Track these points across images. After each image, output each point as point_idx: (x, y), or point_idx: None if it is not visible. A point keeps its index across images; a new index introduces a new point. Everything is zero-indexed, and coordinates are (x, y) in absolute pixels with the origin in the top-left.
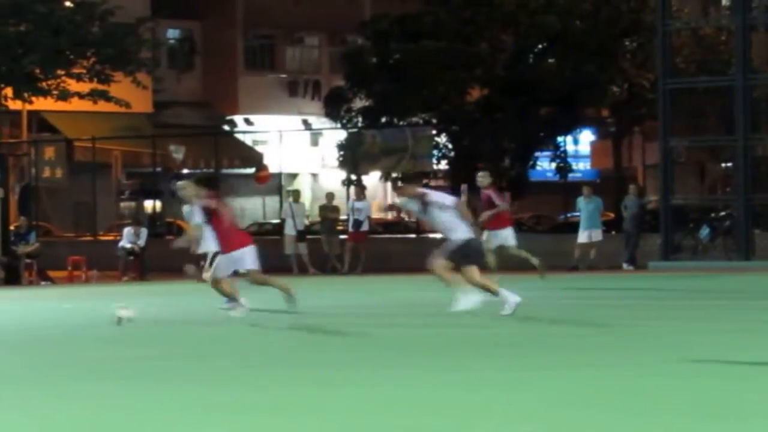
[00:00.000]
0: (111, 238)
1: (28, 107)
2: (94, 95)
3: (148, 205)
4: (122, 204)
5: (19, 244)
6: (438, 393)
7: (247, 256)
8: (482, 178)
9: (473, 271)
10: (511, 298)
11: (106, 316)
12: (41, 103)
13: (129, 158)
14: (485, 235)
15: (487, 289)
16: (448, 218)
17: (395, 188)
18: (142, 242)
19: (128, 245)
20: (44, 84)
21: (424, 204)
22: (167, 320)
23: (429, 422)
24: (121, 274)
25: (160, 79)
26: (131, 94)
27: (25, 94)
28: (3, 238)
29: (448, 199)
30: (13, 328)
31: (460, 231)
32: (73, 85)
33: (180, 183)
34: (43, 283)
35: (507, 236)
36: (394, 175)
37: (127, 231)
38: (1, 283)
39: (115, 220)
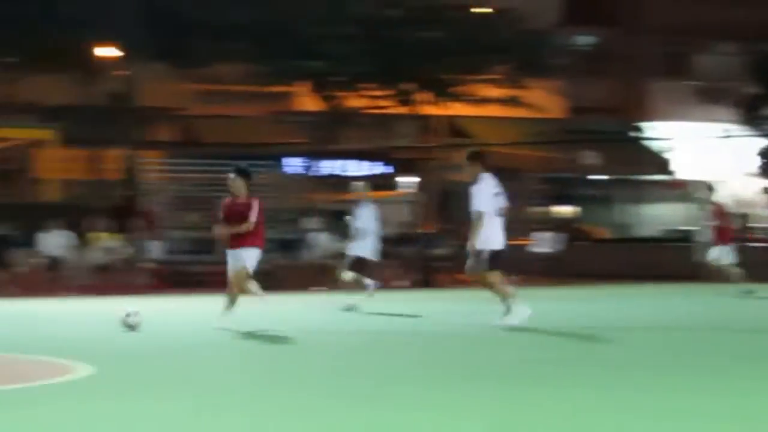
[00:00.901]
0: (524, 242)
1: (442, 112)
2: (508, 101)
3: (561, 210)
4: (534, 209)
5: (431, 248)
6: None
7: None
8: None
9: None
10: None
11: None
12: (454, 108)
13: (541, 163)
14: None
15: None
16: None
17: None
18: (556, 247)
19: (544, 250)
20: (458, 89)
21: None
22: (561, 325)
23: None
24: (521, 279)
25: (572, 85)
26: (544, 100)
27: (439, 100)
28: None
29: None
30: (419, 329)
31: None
32: (486, 91)
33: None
34: (457, 286)
35: (723, 252)
36: None
37: (541, 236)
38: (418, 285)
39: (528, 225)
